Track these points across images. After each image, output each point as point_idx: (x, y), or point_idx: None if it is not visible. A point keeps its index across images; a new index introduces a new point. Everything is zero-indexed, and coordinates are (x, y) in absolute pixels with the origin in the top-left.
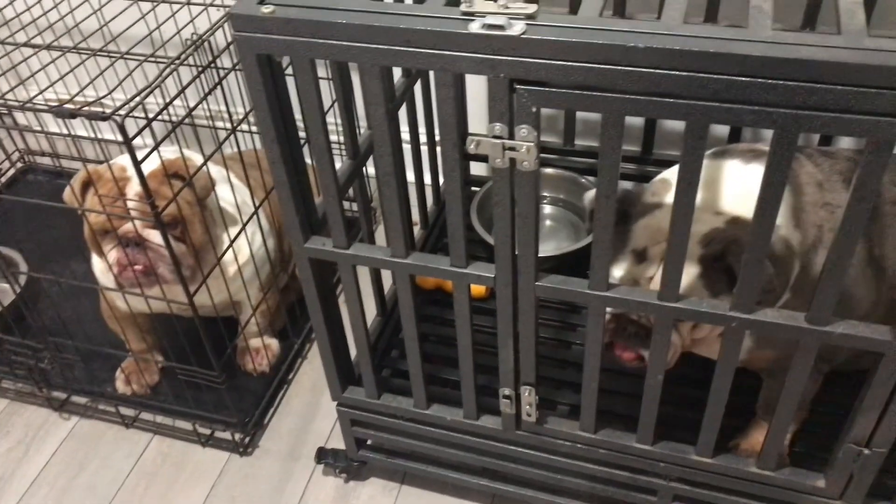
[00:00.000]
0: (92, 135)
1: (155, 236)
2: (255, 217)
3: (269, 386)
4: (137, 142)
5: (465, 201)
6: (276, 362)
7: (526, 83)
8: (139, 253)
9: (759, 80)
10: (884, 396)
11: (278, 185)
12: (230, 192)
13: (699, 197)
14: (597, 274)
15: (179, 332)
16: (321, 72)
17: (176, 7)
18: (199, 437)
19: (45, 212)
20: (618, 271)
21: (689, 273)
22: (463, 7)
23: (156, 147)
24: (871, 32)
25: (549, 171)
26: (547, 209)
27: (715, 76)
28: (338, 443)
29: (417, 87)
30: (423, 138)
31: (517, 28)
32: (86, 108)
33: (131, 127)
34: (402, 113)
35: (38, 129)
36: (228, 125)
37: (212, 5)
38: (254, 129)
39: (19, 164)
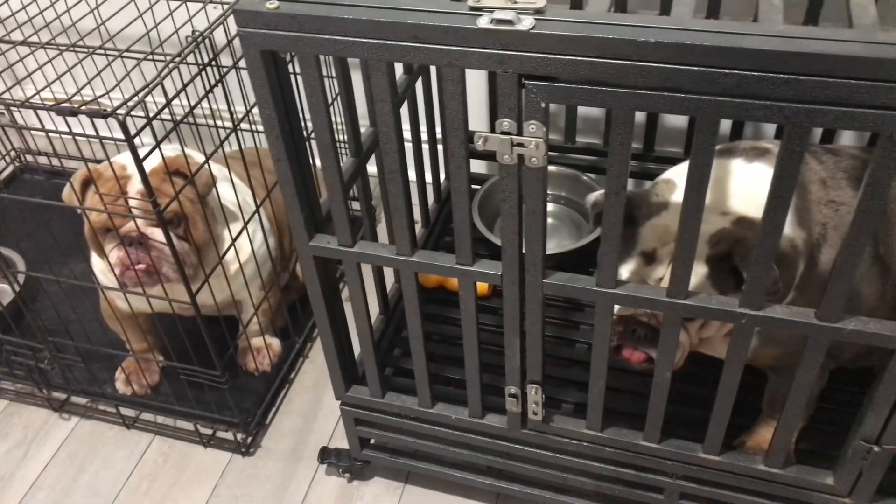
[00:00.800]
0: (92, 133)
1: (157, 234)
2: (256, 215)
3: (270, 385)
4: (137, 140)
5: (471, 200)
6: (278, 361)
7: (535, 78)
8: (141, 252)
9: (771, 74)
10: (894, 393)
11: (283, 183)
12: (231, 191)
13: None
14: (605, 271)
15: (181, 332)
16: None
17: (174, 5)
18: (201, 437)
19: (43, 211)
20: (626, 273)
21: (697, 273)
22: (471, 2)
23: (157, 145)
24: (882, 26)
25: (550, 168)
26: (549, 207)
27: (726, 71)
28: (340, 442)
29: (417, 85)
30: (422, 136)
31: (526, 23)
32: (86, 107)
33: (132, 125)
34: (403, 111)
35: (38, 127)
36: (228, 124)
37: (210, 2)
38: (255, 127)
39: (16, 164)
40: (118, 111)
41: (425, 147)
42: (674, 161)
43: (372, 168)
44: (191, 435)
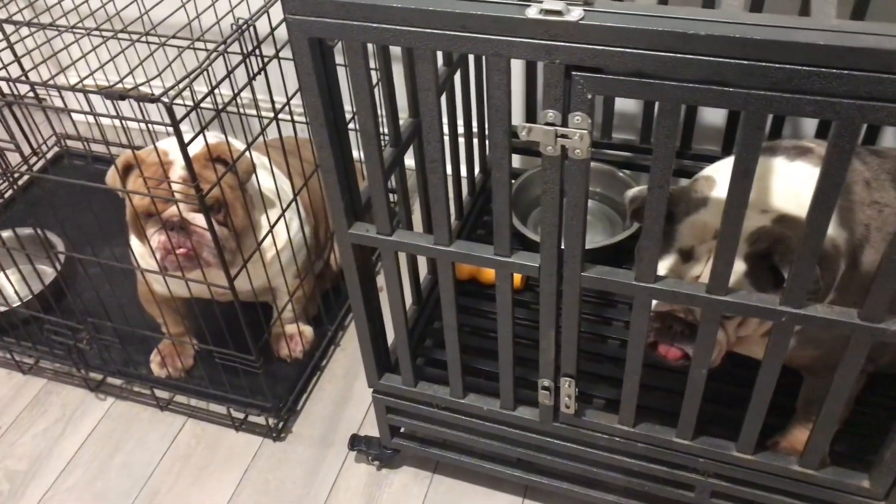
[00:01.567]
0: (137, 118)
1: (198, 219)
2: (293, 203)
3: (302, 372)
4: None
5: (510, 191)
6: (310, 349)
7: (582, 70)
8: (182, 236)
9: (823, 69)
10: None
11: (325, 171)
12: (270, 178)
13: None
14: (644, 265)
15: (218, 316)
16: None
17: None
18: (233, 420)
19: (85, 194)
20: (663, 270)
21: (736, 270)
22: None
23: (202, 130)
24: None
25: None
26: None
27: (776, 65)
28: (370, 430)
29: (456, 78)
30: (460, 129)
31: (575, 14)
32: (134, 91)
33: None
34: (441, 103)
35: (87, 110)
36: (266, 113)
37: None
38: (293, 117)
39: (59, 148)
40: (164, 96)
41: (461, 140)
42: (711, 159)
43: (408, 160)
44: (223, 418)
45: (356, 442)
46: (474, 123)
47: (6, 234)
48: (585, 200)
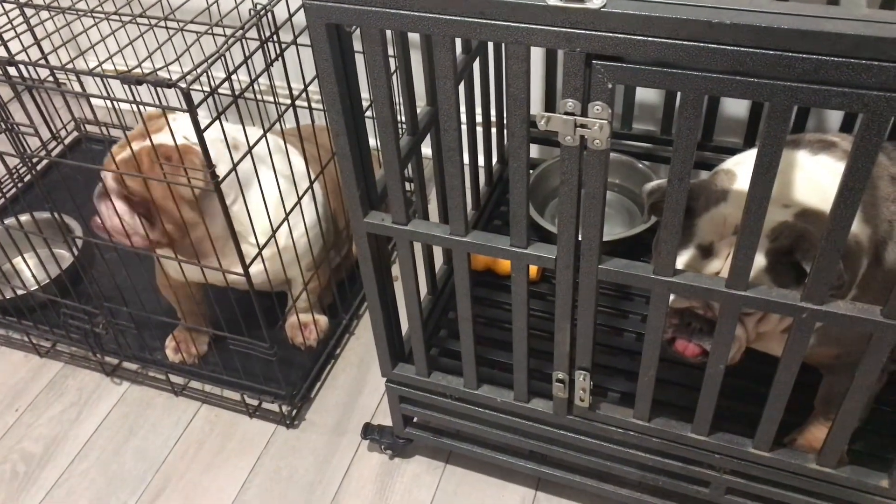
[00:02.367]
0: (154, 103)
1: (119, 206)
2: (309, 192)
3: (316, 360)
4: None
5: (528, 181)
6: (325, 337)
7: (603, 58)
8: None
9: (852, 60)
10: None
11: (341, 158)
12: (286, 166)
13: None
14: (663, 258)
15: (233, 303)
16: None
17: None
18: (247, 407)
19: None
20: (681, 266)
21: (756, 265)
22: None
23: (218, 116)
24: None
25: None
26: None
27: (804, 56)
28: (383, 419)
29: (475, 66)
30: (477, 119)
31: (597, 1)
32: (151, 76)
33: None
34: (460, 92)
35: (104, 95)
36: (284, 99)
37: None
38: (311, 104)
39: (75, 133)
40: (181, 81)
41: (479, 129)
42: (733, 151)
43: (425, 149)
44: (237, 405)
45: (369, 431)
46: (493, 112)
47: (24, 217)
48: (604, 192)
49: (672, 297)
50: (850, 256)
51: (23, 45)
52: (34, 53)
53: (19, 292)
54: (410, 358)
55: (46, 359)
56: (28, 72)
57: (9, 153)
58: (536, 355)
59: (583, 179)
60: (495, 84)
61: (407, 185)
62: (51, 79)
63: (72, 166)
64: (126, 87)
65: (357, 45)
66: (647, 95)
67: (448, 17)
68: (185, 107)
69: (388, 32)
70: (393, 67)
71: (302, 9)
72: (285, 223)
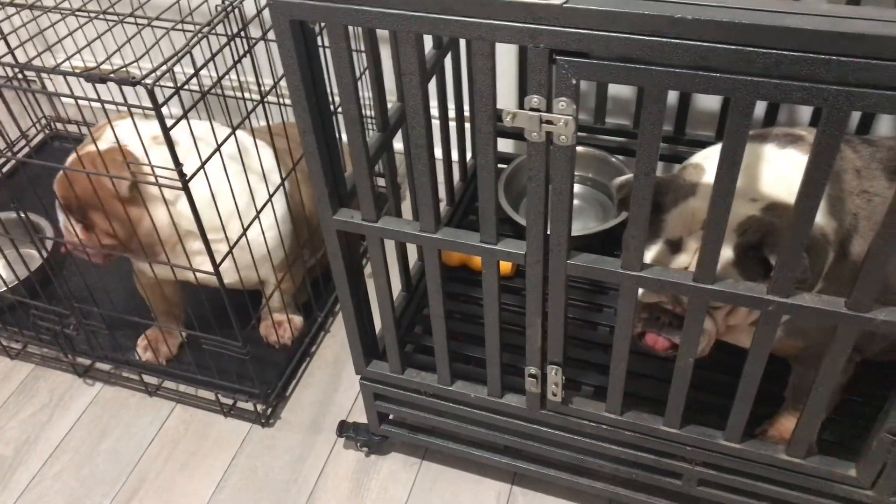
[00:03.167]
0: (121, 102)
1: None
2: (280, 192)
3: (291, 358)
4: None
5: (497, 177)
6: (299, 335)
7: (566, 54)
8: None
9: (812, 55)
10: None
11: (308, 156)
12: (258, 164)
13: None
14: (630, 253)
15: (205, 303)
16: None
17: None
18: (222, 406)
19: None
20: (650, 260)
21: (724, 259)
22: None
23: (185, 115)
24: None
25: (578, 149)
26: (575, 188)
27: (764, 50)
28: (359, 416)
29: (447, 61)
30: (450, 114)
31: None
32: (115, 74)
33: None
34: (431, 87)
35: (68, 94)
36: (256, 96)
37: None
38: (282, 101)
39: (46, 132)
40: (146, 79)
41: (452, 125)
42: (705, 144)
43: (398, 145)
44: (212, 404)
45: (344, 428)
46: (466, 107)
47: None
48: (571, 187)
49: (641, 291)
50: (816, 249)
51: None
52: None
53: None
54: (384, 355)
55: (17, 361)
56: None
57: None
58: (511, 350)
59: (550, 175)
60: (468, 78)
61: (381, 181)
62: (20, 76)
63: (39, 166)
64: (91, 84)
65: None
66: (619, 90)
67: (411, 13)
68: (150, 104)
69: (356, 28)
70: (365, 64)
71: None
72: (256, 221)
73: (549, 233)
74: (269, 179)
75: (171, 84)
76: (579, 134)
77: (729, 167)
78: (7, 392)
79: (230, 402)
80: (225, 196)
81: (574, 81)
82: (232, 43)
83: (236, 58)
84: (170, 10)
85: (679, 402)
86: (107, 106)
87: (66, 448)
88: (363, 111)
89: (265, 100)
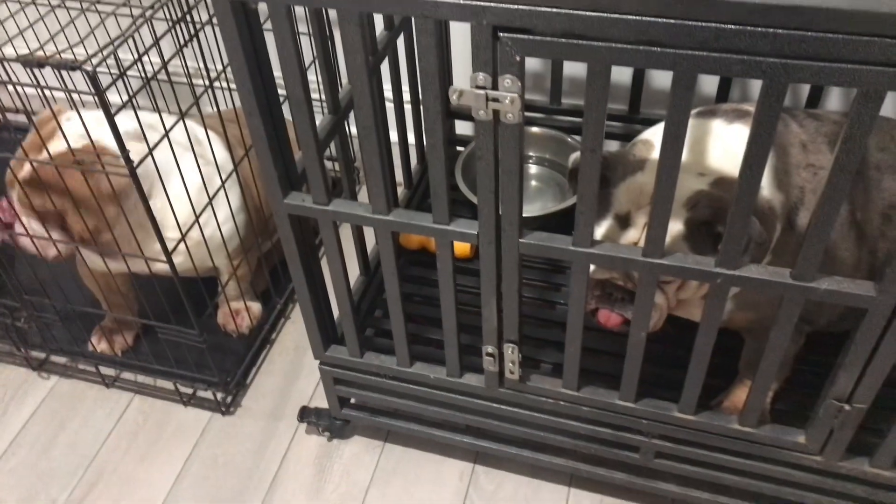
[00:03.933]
0: (65, 88)
1: (31, 224)
2: (233, 179)
3: (251, 346)
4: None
5: (448, 157)
6: (258, 323)
7: (510, 31)
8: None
9: (749, 27)
10: (866, 352)
11: (255, 139)
12: (209, 153)
13: (683, 158)
14: (581, 231)
15: (159, 292)
16: (301, 26)
17: None
18: (181, 396)
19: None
20: (600, 236)
21: (675, 234)
22: None
23: (130, 99)
24: None
25: (534, 130)
26: (532, 169)
27: (703, 24)
28: (321, 402)
29: (400, 43)
30: (407, 96)
31: None
32: (55, 58)
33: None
34: (386, 69)
35: (5, 80)
36: (204, 82)
37: None
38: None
39: None
40: (87, 64)
41: (408, 108)
42: (660, 122)
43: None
44: (171, 394)
45: (306, 414)
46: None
47: None
48: (520, 166)
49: (593, 268)
50: (764, 222)
51: None
52: None
53: None
54: (343, 339)
55: None
56: None
57: None
58: (471, 331)
59: (499, 154)
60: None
61: (334, 164)
62: None
63: None
64: (29, 70)
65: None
66: (575, 70)
67: None
68: (91, 90)
69: (301, 9)
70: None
71: None
72: (208, 209)
73: (500, 212)
74: (221, 166)
75: (117, 71)
76: (535, 115)
77: (673, 141)
78: None
79: (189, 391)
80: (176, 183)
81: (518, 58)
82: (178, 27)
83: (179, 43)
84: None
85: (633, 377)
86: (52, 93)
87: (22, 442)
88: (319, 95)
89: (213, 85)
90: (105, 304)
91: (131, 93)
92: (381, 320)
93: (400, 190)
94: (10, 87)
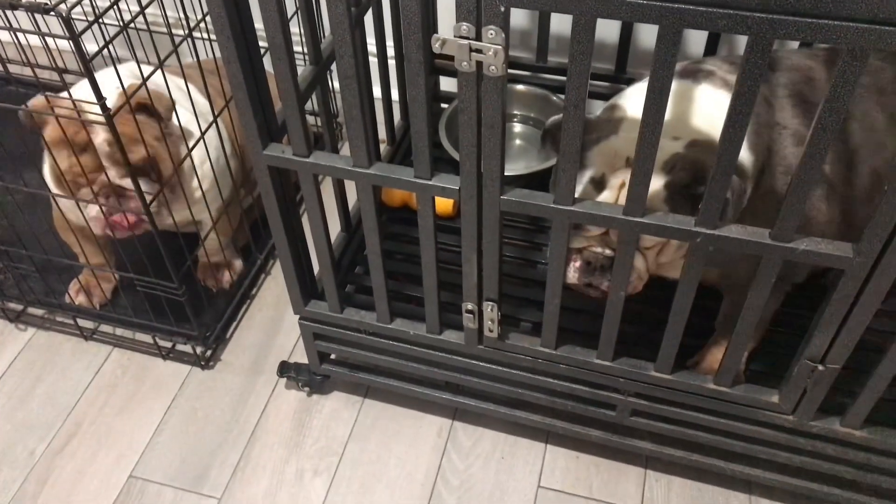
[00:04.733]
0: (38, 32)
1: (129, 183)
2: (213, 129)
3: (231, 300)
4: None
5: (430, 110)
6: (239, 278)
7: None
8: (116, 204)
9: None
10: (841, 313)
11: (234, 88)
12: (187, 104)
13: None
14: (562, 188)
15: (137, 246)
16: None
17: None
18: (160, 349)
19: None
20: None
21: (651, 196)
22: None
23: (106, 45)
24: None
25: (520, 88)
26: (517, 128)
27: None
28: (301, 358)
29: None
30: (391, 52)
31: None
32: (27, 1)
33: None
34: (370, 24)
35: None
36: (183, 30)
37: None
38: (211, 36)
39: None
40: (60, 6)
41: (393, 63)
42: None
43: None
44: (150, 348)
45: (285, 368)
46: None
47: None
48: (503, 121)
49: (574, 237)
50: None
51: None
52: None
53: None
54: (324, 295)
55: None
56: None
57: None
58: (451, 289)
59: (482, 108)
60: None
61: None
62: None
63: None
64: (1, 13)
65: None
66: (562, 27)
67: None
68: (65, 34)
69: None
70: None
71: None
72: (188, 164)
73: (482, 169)
74: (203, 116)
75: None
76: (521, 73)
77: (657, 96)
78: None
79: (169, 345)
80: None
81: (502, 9)
82: None
83: None
84: None
85: (611, 336)
86: (17, 37)
87: None
88: (300, 49)
89: (192, 34)
90: (83, 256)
91: (108, 37)
92: (362, 277)
93: (383, 147)
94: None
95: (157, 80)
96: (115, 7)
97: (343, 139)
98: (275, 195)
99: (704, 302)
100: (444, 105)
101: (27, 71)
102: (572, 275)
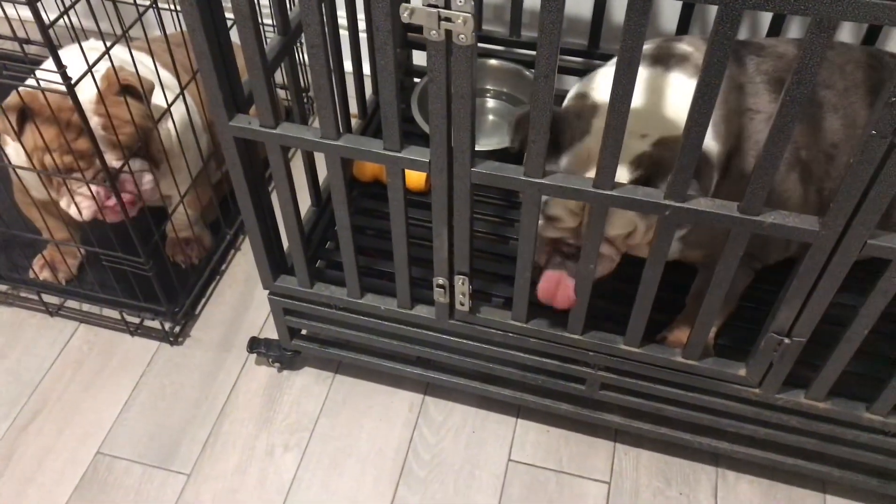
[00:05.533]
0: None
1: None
2: (181, 103)
3: (200, 276)
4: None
5: (399, 81)
6: (208, 254)
7: None
8: (108, 188)
9: None
10: (808, 286)
11: (199, 57)
12: (154, 77)
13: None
14: (532, 160)
15: (105, 224)
16: None
17: None
18: (128, 325)
19: None
20: (553, 204)
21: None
22: None
23: (65, 12)
24: None
25: (493, 62)
26: (490, 103)
27: None
28: (271, 333)
29: None
30: (363, 25)
31: None
32: None
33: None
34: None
35: None
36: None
37: None
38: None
39: None
40: None
41: (364, 37)
42: None
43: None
44: (117, 324)
45: (255, 344)
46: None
47: None
48: (473, 91)
49: (542, 224)
50: (700, 174)
51: None
52: None
53: None
54: (293, 270)
55: None
56: None
57: None
58: (422, 265)
59: (451, 79)
60: None
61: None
62: None
63: None
64: None
65: None
66: (536, 2)
67: None
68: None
69: None
70: None
71: None
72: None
73: (452, 142)
74: (169, 90)
75: None
76: (494, 47)
77: (627, 67)
78: None
79: (136, 321)
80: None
81: None
82: None
83: None
84: None
85: (581, 309)
86: None
87: None
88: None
89: (156, 3)
90: (46, 232)
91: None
92: (332, 252)
93: (354, 121)
94: None
95: (121, 56)
96: None
97: (314, 114)
98: (242, 168)
99: (676, 278)
100: (416, 80)
101: None
102: (544, 265)
